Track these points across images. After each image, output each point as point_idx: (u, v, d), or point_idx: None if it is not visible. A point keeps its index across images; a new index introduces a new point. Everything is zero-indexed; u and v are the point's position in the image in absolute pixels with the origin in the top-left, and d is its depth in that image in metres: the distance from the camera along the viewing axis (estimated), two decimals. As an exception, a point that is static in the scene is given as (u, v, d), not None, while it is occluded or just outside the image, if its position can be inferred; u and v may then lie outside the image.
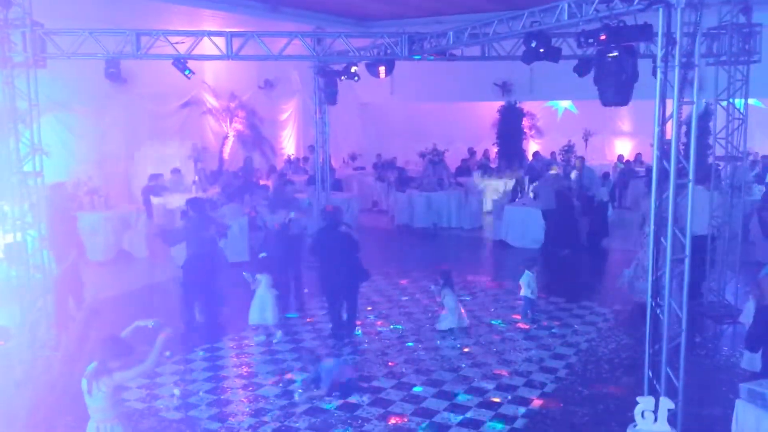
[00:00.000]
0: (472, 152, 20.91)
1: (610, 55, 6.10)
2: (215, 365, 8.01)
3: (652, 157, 5.87)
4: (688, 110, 5.89)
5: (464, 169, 19.11)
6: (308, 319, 9.54)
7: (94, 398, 4.83)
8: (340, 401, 6.97)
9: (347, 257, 8.54)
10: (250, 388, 7.35)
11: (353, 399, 7.02)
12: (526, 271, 9.67)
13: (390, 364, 7.99)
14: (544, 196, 13.71)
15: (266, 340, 8.71)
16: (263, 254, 9.28)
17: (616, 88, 6.24)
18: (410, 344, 8.63)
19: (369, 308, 9.99)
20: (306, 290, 10.34)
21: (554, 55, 7.77)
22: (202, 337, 8.65)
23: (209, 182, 15.38)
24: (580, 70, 9.58)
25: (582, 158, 17.25)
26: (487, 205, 16.99)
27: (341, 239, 8.57)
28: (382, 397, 7.08)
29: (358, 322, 9.12)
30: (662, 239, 5.77)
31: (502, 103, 20.23)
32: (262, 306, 8.64)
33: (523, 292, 9.60)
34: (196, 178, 14.70)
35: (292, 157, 19.64)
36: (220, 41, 9.17)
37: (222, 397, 7.15)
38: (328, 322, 9.04)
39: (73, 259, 9.01)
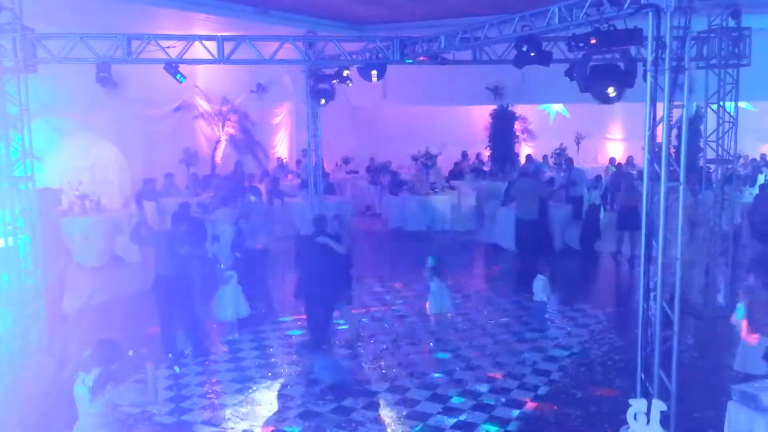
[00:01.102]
0: (464, 155, 20.95)
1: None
2: (208, 369, 7.99)
3: (643, 161, 5.90)
4: (679, 113, 5.92)
5: (457, 173, 19.15)
6: (300, 322, 9.52)
7: (95, 405, 4.83)
8: (335, 404, 6.97)
9: (321, 268, 8.22)
10: (244, 392, 7.34)
11: (347, 402, 7.02)
12: (539, 275, 9.72)
13: (384, 367, 7.99)
14: (524, 205, 12.43)
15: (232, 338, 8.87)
16: (237, 254, 9.57)
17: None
18: (404, 347, 8.63)
19: (362, 311, 9.98)
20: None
21: (545, 58, 7.79)
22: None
23: (201, 186, 15.34)
24: (572, 73, 9.61)
25: (570, 159, 17.29)
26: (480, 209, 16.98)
27: (318, 250, 8.24)
28: (376, 400, 7.09)
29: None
30: (654, 241, 5.81)
31: (494, 106, 20.28)
32: (236, 301, 8.85)
33: (536, 297, 9.65)
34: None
35: (284, 160, 19.60)
36: (212, 45, 9.15)
37: (216, 401, 7.14)
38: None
39: (64, 264, 8.94)
